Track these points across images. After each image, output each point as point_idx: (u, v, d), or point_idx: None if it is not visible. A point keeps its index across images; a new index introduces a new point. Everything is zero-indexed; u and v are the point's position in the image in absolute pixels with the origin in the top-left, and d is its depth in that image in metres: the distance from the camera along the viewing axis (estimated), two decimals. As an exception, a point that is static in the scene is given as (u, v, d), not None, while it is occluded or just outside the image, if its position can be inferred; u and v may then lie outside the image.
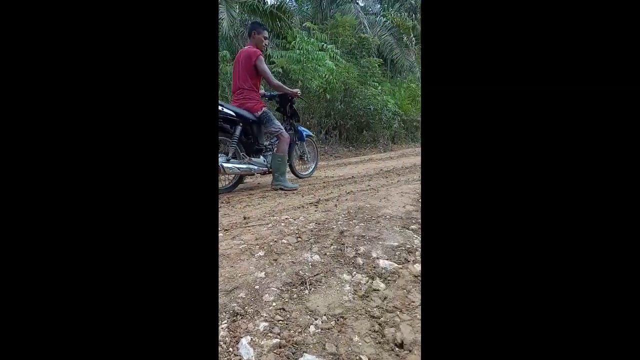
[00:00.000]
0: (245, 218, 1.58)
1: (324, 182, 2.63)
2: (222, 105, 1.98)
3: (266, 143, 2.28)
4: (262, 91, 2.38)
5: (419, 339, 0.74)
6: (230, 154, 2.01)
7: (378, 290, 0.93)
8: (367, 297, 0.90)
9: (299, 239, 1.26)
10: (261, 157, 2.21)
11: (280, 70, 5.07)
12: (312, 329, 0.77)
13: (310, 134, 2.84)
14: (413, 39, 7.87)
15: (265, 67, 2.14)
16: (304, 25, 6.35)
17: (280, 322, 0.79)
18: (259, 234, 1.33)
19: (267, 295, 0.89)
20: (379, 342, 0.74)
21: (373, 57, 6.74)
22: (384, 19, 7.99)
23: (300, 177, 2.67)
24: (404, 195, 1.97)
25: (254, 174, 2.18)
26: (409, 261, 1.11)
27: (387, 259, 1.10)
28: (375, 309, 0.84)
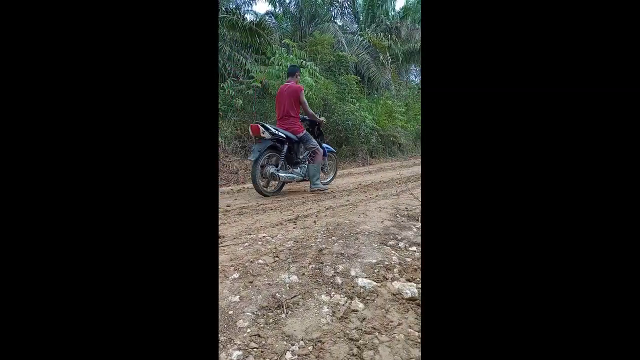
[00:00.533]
0: (220, 237, 1.53)
1: (303, 198, 2.61)
2: (277, 130, 2.62)
3: (301, 157, 2.88)
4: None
5: (398, 361, 0.72)
6: (279, 166, 2.67)
7: (357, 310, 0.91)
8: (346, 318, 0.88)
9: (276, 259, 1.22)
10: (298, 168, 2.84)
11: (259, 85, 5.09)
12: (288, 355, 0.74)
13: (333, 150, 3.43)
14: (389, 57, 8.20)
15: (305, 100, 2.82)
16: (283, 41, 6.46)
17: (255, 349, 0.75)
18: (234, 254, 1.28)
19: (241, 320, 0.84)
20: (358, 367, 0.72)
21: (351, 74, 6.94)
22: (361, 38, 8.30)
23: (322, 184, 3.17)
24: (382, 210, 1.99)
25: (292, 181, 2.85)
26: (387, 279, 1.10)
27: (366, 277, 1.09)
28: (353, 331, 0.82)
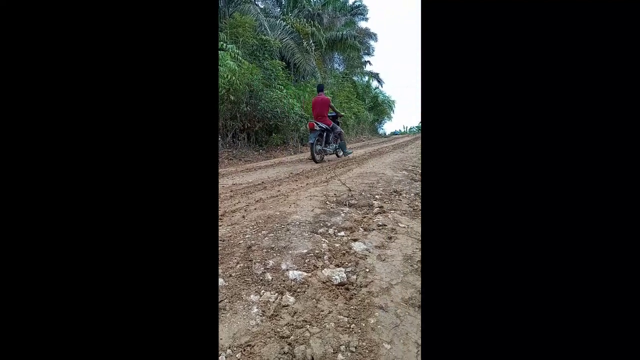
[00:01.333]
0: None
1: (232, 191, 2.47)
2: (322, 124, 4.33)
3: (331, 139, 4.64)
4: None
5: (330, 350, 0.73)
6: (322, 144, 4.42)
7: (287, 305, 0.89)
8: (277, 316, 0.85)
9: (200, 262, 1.12)
10: (331, 145, 4.64)
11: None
12: (214, 368, 0.68)
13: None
14: (312, 44, 8.22)
15: (334, 105, 4.69)
16: (199, 21, 5.86)
17: (175, 369, 0.67)
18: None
19: (157, 340, 0.74)
20: (289, 365, 0.70)
21: (276, 59, 6.74)
22: (284, 23, 8.09)
23: (340, 156, 5.01)
24: (312, 198, 2.01)
25: (328, 154, 4.70)
26: (317, 267, 1.11)
27: (297, 269, 1.08)
28: (284, 328, 0.80)
